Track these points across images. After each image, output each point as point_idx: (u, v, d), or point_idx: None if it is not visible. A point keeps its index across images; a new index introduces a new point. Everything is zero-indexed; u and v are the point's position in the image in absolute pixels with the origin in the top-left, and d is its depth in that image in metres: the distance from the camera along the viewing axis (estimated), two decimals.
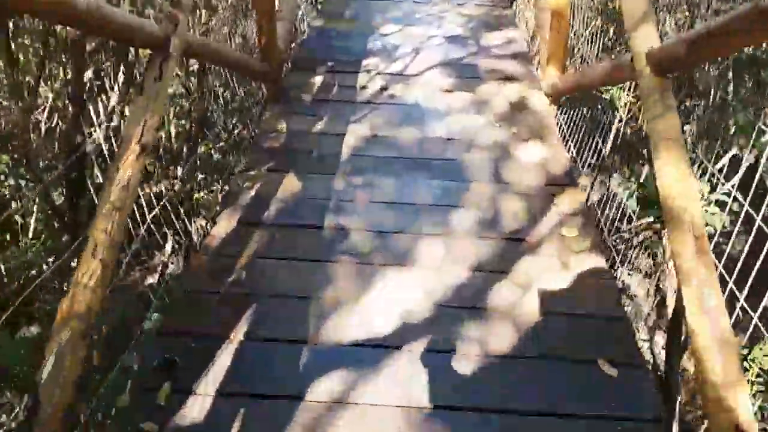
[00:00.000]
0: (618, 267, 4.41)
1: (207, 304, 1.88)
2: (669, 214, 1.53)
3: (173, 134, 4.72)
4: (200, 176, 5.83)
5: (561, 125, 3.18)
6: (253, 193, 2.43)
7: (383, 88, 3.44)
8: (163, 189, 5.77)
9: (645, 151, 4.85)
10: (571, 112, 3.16)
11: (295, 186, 2.49)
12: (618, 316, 1.90)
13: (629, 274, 5.46)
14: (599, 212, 3.57)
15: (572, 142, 3.10)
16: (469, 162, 2.73)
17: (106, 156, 2.40)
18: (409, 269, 2.06)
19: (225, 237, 2.18)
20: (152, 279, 5.83)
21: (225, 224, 2.25)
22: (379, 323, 1.82)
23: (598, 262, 2.13)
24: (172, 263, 5.25)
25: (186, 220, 4.88)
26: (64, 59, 2.75)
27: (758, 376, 2.04)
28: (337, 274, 2.02)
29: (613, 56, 3.17)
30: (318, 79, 3.49)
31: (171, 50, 1.83)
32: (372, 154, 2.76)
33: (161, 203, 4.24)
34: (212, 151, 5.65)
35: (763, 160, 1.77)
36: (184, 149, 4.80)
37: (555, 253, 2.16)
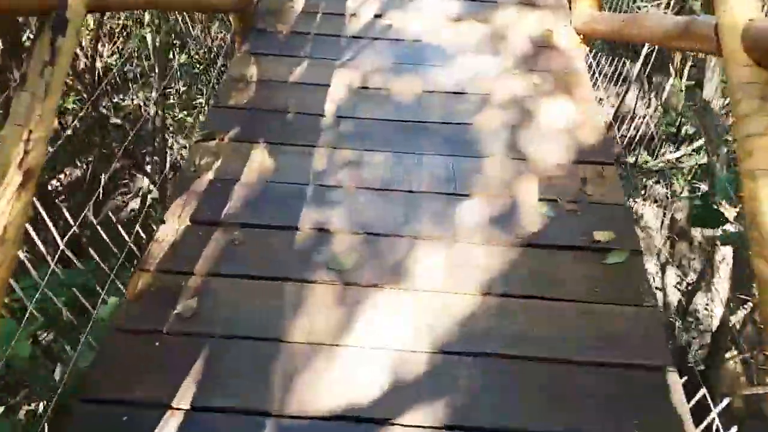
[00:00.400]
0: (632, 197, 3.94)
1: (145, 351, 1.47)
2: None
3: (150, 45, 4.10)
4: (181, 88, 5.24)
5: (593, 71, 2.63)
6: (210, 175, 1.95)
7: (377, 16, 2.83)
8: (141, 104, 5.21)
9: (670, 64, 4.28)
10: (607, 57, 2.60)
11: (265, 164, 2.01)
12: (663, 367, 1.51)
13: (643, 205, 5.03)
14: (616, 131, 3.11)
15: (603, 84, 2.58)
16: (480, 127, 2.22)
17: None
18: (403, 292, 1.64)
19: (173, 244, 1.73)
20: (134, 204, 5.39)
21: (174, 224, 1.79)
22: (364, 381, 1.43)
23: (641, 281, 1.71)
24: (152, 188, 4.81)
25: (165, 139, 4.36)
26: None
27: None
28: (312, 302, 1.60)
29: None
30: (297, 4, 2.87)
31: (68, 15, 1.29)
32: (361, 116, 2.24)
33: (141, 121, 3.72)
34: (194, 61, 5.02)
35: None
36: (156, 67, 4.22)
37: (584, 268, 1.73)
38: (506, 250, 1.77)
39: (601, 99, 2.66)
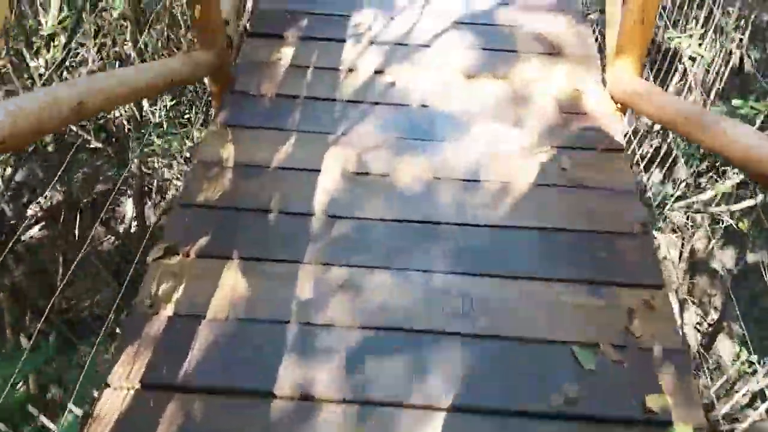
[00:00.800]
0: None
1: None
2: None
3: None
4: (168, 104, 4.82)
5: (632, 145, 2.25)
6: (169, 310, 1.58)
7: (378, 72, 2.43)
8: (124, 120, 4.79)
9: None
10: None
11: (238, 291, 1.63)
12: None
13: (658, 229, 4.63)
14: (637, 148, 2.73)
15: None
16: (500, 232, 1.83)
17: None
18: None
19: (116, 424, 1.37)
20: (120, 228, 4.99)
21: (120, 389, 1.42)
22: None
23: None
24: (135, 217, 4.42)
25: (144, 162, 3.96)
26: None
27: None
28: None
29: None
30: (285, 55, 2.47)
31: None
32: (359, 215, 1.86)
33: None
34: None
35: None
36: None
37: None
38: (539, 426, 1.40)
39: (644, 191, 2.28)
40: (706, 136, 1.48)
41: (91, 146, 4.62)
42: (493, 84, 2.40)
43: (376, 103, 2.28)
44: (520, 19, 2.74)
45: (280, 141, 2.09)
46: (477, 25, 2.68)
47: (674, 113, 1.69)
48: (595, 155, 2.10)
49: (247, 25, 2.61)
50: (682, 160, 3.51)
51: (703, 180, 4.03)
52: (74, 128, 4.26)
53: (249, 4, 2.82)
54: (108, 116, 4.82)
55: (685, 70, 3.34)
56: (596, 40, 2.71)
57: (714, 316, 4.31)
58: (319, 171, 1.99)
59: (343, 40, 2.55)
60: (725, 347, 4.16)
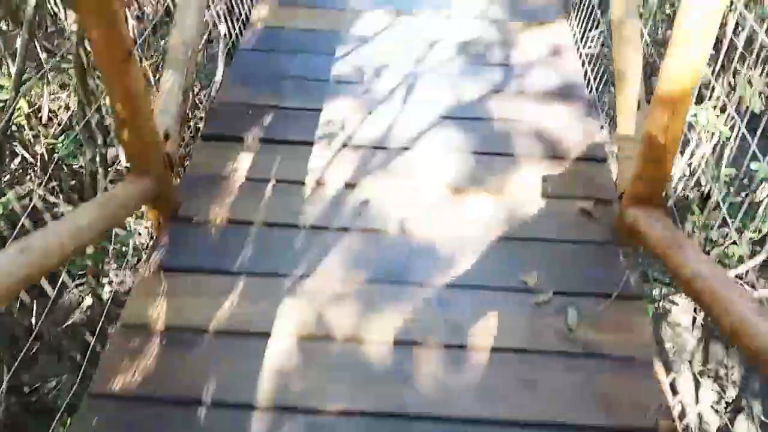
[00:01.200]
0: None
1: None
2: None
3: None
4: None
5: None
6: None
7: (350, 186, 2.06)
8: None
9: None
10: None
11: None
12: None
13: (671, 301, 4.23)
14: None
15: None
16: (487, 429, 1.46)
17: None
18: None
19: None
20: (88, 301, 4.59)
21: None
22: None
23: None
24: (116, 275, 4.03)
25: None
26: None
27: None
28: None
29: None
30: (242, 164, 2.10)
31: None
32: (314, 405, 1.47)
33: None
34: None
35: None
36: None
37: None
38: None
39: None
40: (756, 347, 1.10)
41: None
42: (485, 201, 2.03)
43: (346, 230, 1.91)
44: (516, 110, 2.38)
45: (224, 290, 1.72)
46: (466, 120, 2.32)
47: (710, 294, 1.31)
48: (606, 305, 1.73)
49: (201, 124, 2.24)
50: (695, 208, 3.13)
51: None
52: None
53: (212, 88, 2.46)
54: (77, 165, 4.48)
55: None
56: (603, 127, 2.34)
57: (733, 392, 3.92)
58: (269, 335, 1.62)
59: (312, 143, 2.19)
60: (745, 430, 3.76)
